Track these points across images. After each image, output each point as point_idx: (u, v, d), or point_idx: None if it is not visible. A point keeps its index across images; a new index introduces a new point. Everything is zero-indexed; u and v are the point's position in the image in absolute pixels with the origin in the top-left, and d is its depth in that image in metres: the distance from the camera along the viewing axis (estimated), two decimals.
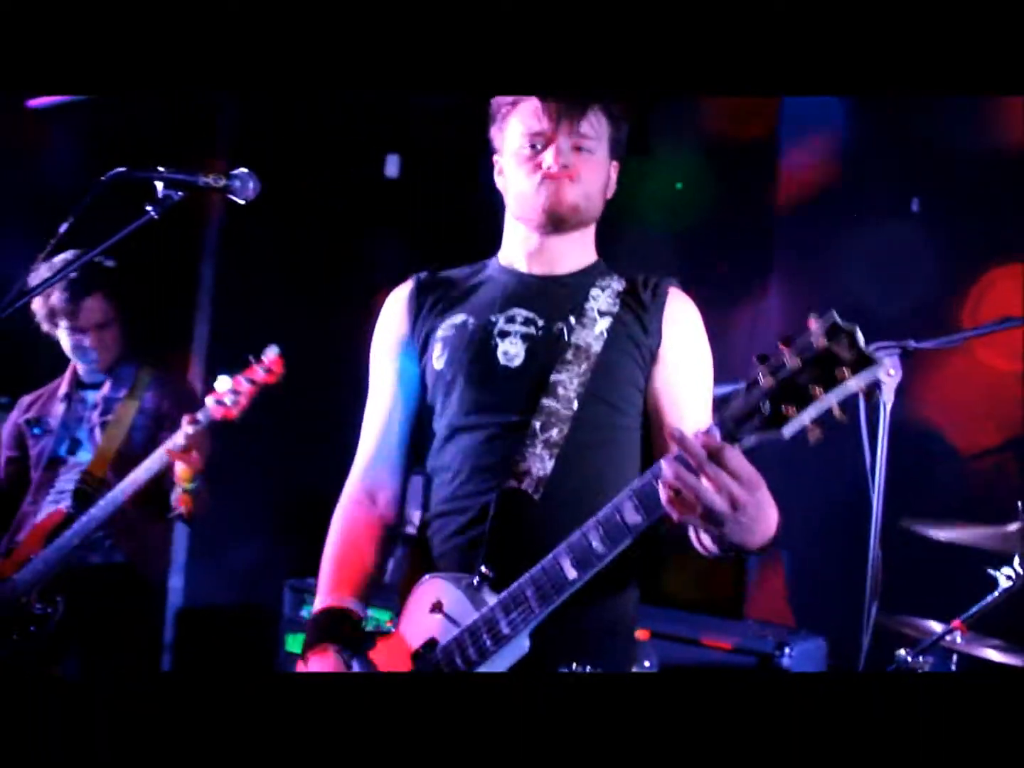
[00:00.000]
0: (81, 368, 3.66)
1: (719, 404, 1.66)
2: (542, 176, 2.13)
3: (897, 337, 2.80)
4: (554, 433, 2.03)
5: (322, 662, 2.01)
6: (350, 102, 5.04)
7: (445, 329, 2.18)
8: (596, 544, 1.79)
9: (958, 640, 3.01)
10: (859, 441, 2.56)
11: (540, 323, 2.13)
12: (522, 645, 1.89)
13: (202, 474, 3.22)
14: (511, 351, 2.11)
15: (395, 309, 2.29)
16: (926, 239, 4.11)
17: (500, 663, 1.91)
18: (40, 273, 3.32)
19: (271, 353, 3.18)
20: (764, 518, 1.67)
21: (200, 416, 3.14)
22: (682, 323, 2.16)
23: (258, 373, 3.16)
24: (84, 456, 3.53)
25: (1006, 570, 2.91)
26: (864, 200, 4.27)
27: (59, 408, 3.63)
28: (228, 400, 3.13)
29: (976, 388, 3.92)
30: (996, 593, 2.90)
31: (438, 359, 2.16)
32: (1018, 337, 3.73)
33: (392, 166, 5.37)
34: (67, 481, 3.51)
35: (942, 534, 2.96)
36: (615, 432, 2.10)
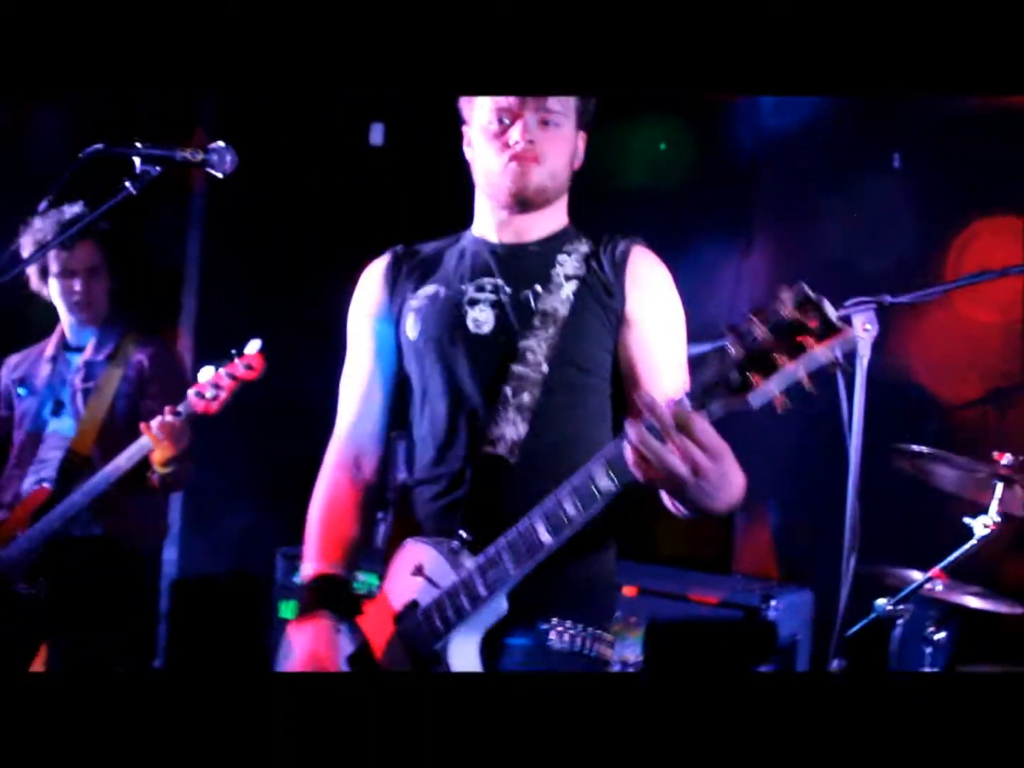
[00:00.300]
0: (69, 326, 3.63)
1: (693, 368, 1.69)
2: (509, 157, 2.15)
3: (880, 292, 2.82)
4: (525, 397, 2.06)
5: (315, 628, 2.08)
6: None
7: (418, 300, 2.22)
8: (569, 509, 1.83)
9: (938, 588, 3.06)
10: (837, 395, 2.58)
11: (508, 290, 2.15)
12: (500, 606, 1.94)
13: (176, 460, 3.24)
14: (480, 318, 2.14)
15: (372, 280, 2.32)
16: (908, 194, 4.12)
17: (478, 623, 1.96)
18: (33, 226, 3.35)
19: (252, 348, 3.19)
20: (727, 485, 1.73)
21: (180, 408, 3.17)
22: (646, 283, 2.17)
23: (239, 369, 3.18)
24: (67, 422, 3.52)
25: (982, 519, 2.97)
26: (845, 156, 4.27)
27: (45, 369, 3.61)
28: (209, 394, 3.16)
29: (958, 340, 3.95)
30: (973, 541, 2.96)
31: (412, 329, 2.20)
32: (999, 289, 3.75)
33: (376, 134, 5.35)
34: (49, 449, 3.50)
35: (927, 462, 3.04)
36: (585, 394, 2.14)
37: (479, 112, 2.21)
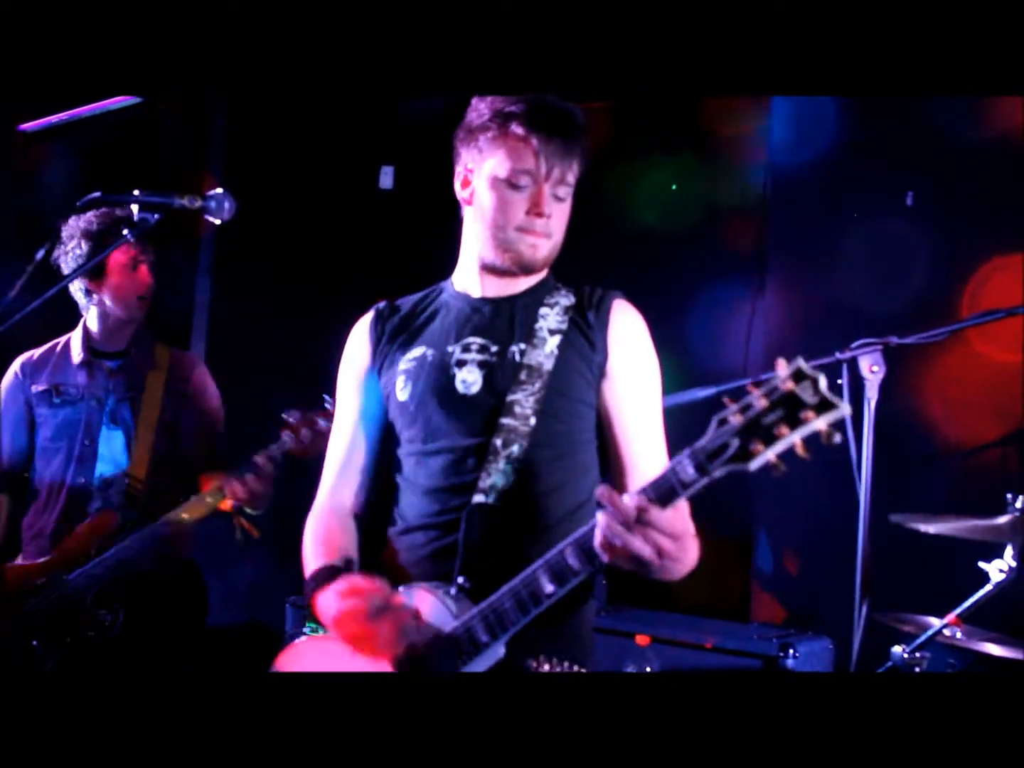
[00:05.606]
0: (100, 330, 3.47)
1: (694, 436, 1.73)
2: (530, 232, 2.19)
3: (894, 332, 2.78)
4: (515, 449, 2.15)
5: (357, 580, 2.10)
6: (345, 114, 5.05)
7: (406, 362, 2.29)
8: (572, 561, 1.91)
9: (957, 635, 2.98)
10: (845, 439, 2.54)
11: (494, 349, 2.23)
12: (498, 652, 2.00)
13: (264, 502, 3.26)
14: (468, 379, 2.21)
15: (357, 340, 2.40)
16: (922, 233, 4.07)
17: (474, 668, 2.01)
18: (74, 224, 3.34)
19: None
20: (685, 558, 1.97)
21: (274, 452, 3.17)
22: (627, 338, 2.24)
23: (320, 423, 3.17)
24: (118, 433, 3.40)
25: (998, 563, 2.89)
26: (858, 195, 4.24)
27: (80, 376, 3.44)
28: (305, 436, 3.15)
29: (974, 381, 3.88)
30: (989, 586, 2.88)
31: (402, 391, 2.27)
32: (1016, 328, 3.69)
33: (387, 178, 5.36)
34: (106, 464, 3.38)
35: (931, 528, 2.92)
36: (570, 447, 2.22)
37: (494, 163, 2.20)
